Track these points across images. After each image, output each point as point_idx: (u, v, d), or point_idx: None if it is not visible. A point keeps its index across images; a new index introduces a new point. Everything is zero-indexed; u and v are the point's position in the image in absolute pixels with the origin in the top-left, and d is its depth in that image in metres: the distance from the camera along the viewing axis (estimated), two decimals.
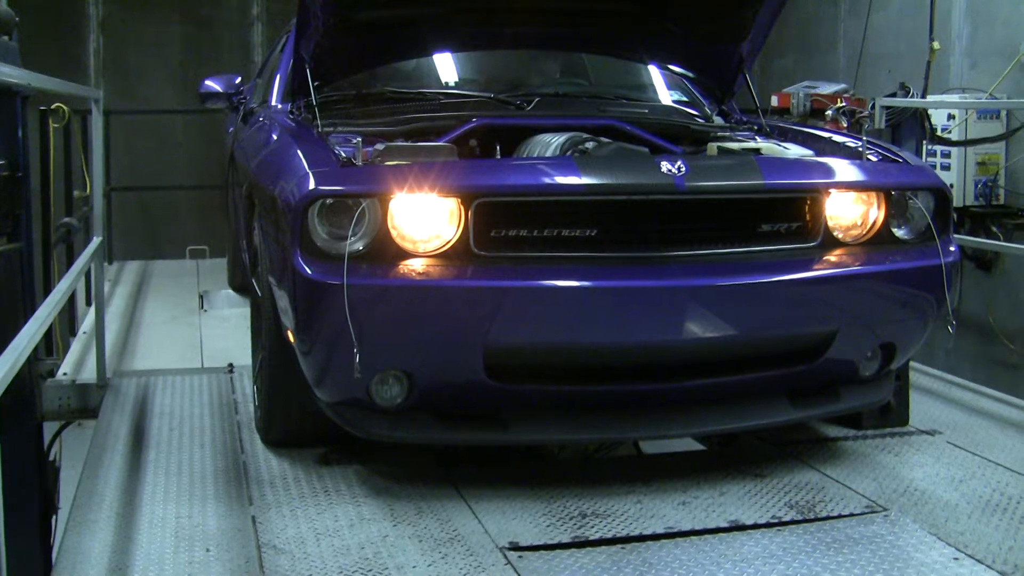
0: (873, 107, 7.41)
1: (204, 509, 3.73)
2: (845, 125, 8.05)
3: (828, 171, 4.01)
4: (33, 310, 4.24)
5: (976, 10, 8.75)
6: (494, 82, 5.16)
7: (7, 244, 5.03)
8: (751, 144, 4.41)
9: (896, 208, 4.02)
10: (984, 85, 8.45)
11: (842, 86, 9.24)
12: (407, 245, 3.60)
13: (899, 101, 8.06)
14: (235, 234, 6.33)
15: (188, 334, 6.49)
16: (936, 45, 8.40)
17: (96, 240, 5.54)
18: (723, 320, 3.75)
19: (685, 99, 5.40)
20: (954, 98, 8.49)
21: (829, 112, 8.35)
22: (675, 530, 3.55)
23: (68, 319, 7.50)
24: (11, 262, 5.10)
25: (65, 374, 5.57)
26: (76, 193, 8.20)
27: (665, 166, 3.68)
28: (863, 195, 3.98)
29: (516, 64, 5.50)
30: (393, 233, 3.58)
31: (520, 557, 3.35)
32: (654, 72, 5.51)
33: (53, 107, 7.15)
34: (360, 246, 3.55)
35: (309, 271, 3.49)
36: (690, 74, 5.32)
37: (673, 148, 4.46)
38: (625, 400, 3.86)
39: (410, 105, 4.71)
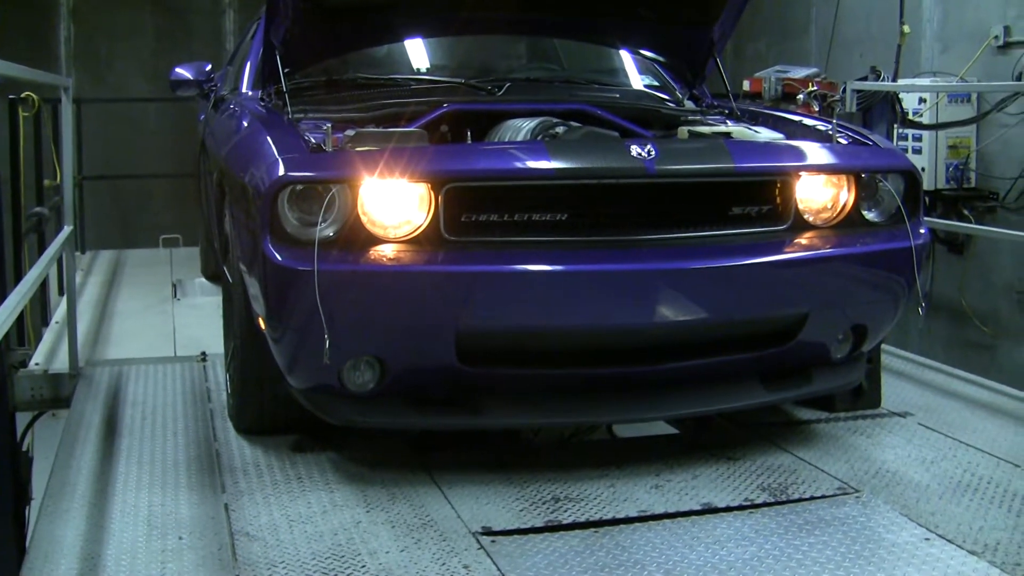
0: (844, 91, 7.43)
1: (177, 497, 3.72)
2: (816, 109, 8.06)
3: (798, 154, 4.01)
4: (3, 299, 4.21)
5: None
6: (465, 67, 5.14)
7: None
8: (722, 128, 4.42)
9: (866, 191, 4.03)
10: (955, 69, 8.48)
11: (814, 70, 9.23)
12: (377, 231, 3.59)
13: (870, 85, 8.07)
14: (207, 222, 6.30)
15: (161, 323, 6.46)
16: (907, 29, 8.39)
17: (67, 229, 5.51)
18: (695, 303, 3.77)
19: (656, 83, 5.40)
20: (925, 82, 8.51)
21: (800, 96, 8.35)
22: (648, 513, 3.56)
23: (40, 309, 7.45)
24: None
25: (37, 364, 5.54)
26: (47, 182, 8.14)
27: (635, 150, 3.69)
28: (833, 178, 3.99)
29: (487, 49, 5.48)
30: (363, 219, 3.57)
31: (493, 542, 3.35)
32: (625, 56, 5.51)
33: (23, 95, 7.10)
34: (330, 232, 3.53)
35: (279, 257, 3.48)
36: (661, 58, 5.33)
37: (644, 132, 4.46)
38: (598, 384, 3.86)
39: (381, 91, 4.69)
